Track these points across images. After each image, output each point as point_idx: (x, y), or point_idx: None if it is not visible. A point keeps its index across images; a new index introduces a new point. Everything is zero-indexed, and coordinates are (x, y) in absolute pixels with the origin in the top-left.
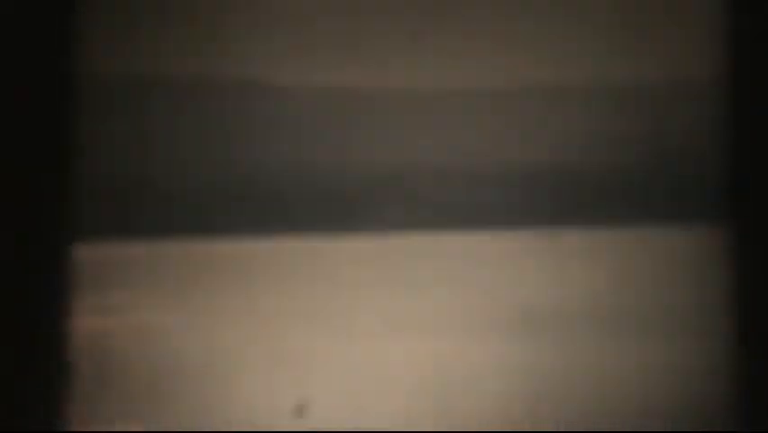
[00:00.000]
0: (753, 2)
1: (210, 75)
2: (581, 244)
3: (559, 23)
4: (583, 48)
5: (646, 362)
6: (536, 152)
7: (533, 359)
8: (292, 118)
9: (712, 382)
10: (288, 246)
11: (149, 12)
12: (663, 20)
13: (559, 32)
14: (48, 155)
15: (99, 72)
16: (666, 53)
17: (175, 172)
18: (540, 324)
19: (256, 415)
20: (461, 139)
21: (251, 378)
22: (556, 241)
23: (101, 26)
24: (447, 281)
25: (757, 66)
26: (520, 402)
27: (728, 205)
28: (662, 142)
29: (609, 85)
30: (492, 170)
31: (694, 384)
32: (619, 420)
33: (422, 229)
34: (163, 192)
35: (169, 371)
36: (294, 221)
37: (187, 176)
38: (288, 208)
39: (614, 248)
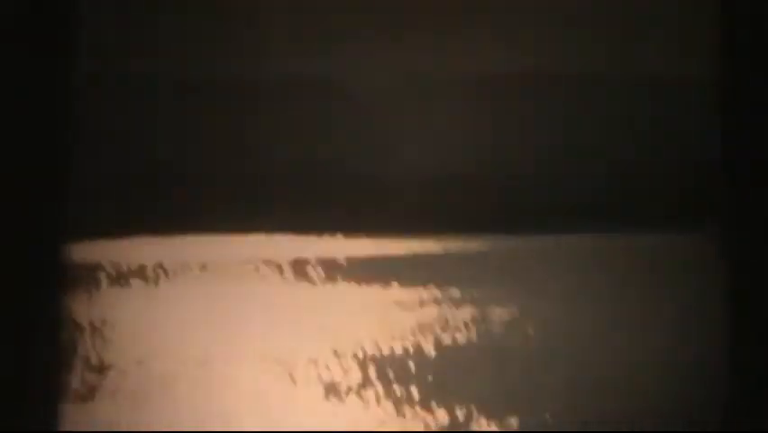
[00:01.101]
0: (751, 7)
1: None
2: (580, 246)
3: (556, 19)
4: (579, 46)
5: (650, 359)
6: (520, 158)
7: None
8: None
9: (709, 380)
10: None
11: (149, 11)
12: (661, 20)
13: (555, 28)
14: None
15: (103, 71)
16: (664, 53)
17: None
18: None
19: None
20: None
21: None
22: (557, 245)
23: (105, 25)
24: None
25: (755, 70)
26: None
27: (726, 208)
28: (661, 143)
29: (603, 80)
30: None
31: (691, 382)
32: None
33: None
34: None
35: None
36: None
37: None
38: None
39: (611, 253)
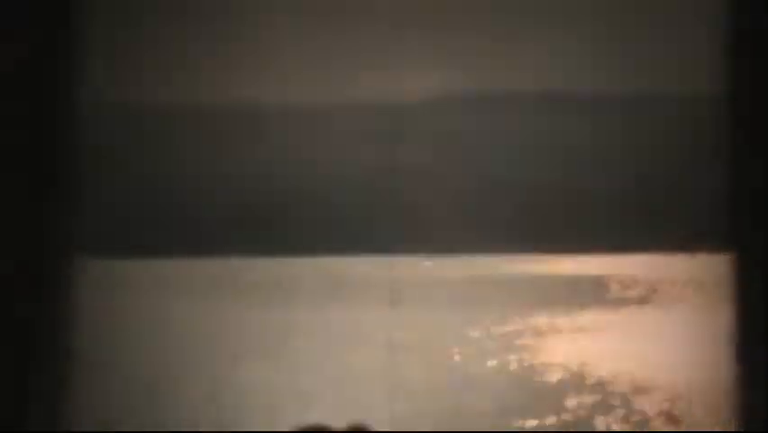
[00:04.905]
0: (754, 15)
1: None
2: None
3: (558, 34)
4: (583, 61)
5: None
6: (530, 170)
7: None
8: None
9: (715, 386)
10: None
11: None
12: (664, 33)
13: (557, 43)
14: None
15: (103, 99)
16: (668, 68)
17: None
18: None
19: None
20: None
21: None
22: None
23: (102, 55)
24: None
25: (759, 82)
26: None
27: (732, 226)
28: (665, 159)
29: (610, 99)
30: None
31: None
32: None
33: None
34: None
35: None
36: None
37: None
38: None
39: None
